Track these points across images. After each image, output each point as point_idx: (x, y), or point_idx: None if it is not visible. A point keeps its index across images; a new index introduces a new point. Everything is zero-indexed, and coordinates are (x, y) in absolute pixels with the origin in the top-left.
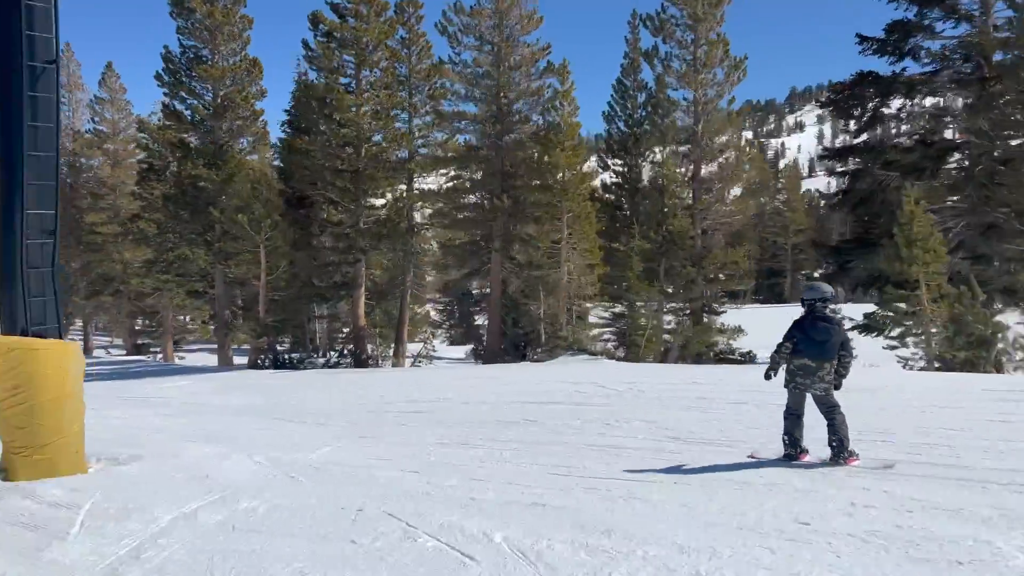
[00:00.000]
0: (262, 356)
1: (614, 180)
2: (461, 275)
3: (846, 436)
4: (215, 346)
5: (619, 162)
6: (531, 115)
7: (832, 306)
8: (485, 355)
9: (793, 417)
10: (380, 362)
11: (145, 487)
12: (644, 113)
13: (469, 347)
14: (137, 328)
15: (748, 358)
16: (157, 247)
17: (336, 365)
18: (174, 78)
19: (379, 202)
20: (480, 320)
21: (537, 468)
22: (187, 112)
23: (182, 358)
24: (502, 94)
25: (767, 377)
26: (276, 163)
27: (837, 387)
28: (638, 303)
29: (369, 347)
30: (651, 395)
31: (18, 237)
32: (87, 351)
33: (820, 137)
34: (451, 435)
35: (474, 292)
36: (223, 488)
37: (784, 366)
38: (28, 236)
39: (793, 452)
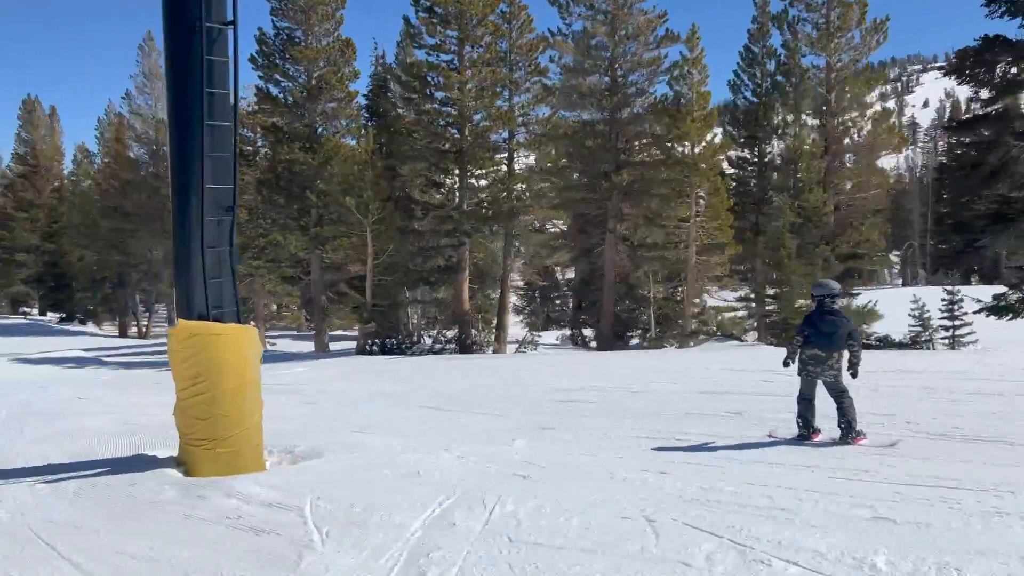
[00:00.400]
0: (370, 341)
1: (740, 154)
2: (570, 257)
3: (854, 418)
4: (295, 332)
5: (746, 135)
6: (648, 87)
7: (839, 301)
8: (599, 341)
9: (805, 402)
10: (483, 348)
11: (357, 486)
12: (774, 82)
13: (558, 334)
14: None
15: (885, 343)
16: (248, 233)
17: (441, 351)
18: (268, 60)
19: (483, 183)
20: (562, 306)
21: (817, 472)
22: (281, 95)
23: (273, 344)
24: (616, 65)
25: (785, 364)
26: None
27: (854, 375)
28: (778, 286)
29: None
30: (865, 384)
31: (195, 214)
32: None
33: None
34: (646, 428)
35: (563, 277)
36: (450, 488)
37: (797, 356)
38: (206, 212)
39: (806, 433)
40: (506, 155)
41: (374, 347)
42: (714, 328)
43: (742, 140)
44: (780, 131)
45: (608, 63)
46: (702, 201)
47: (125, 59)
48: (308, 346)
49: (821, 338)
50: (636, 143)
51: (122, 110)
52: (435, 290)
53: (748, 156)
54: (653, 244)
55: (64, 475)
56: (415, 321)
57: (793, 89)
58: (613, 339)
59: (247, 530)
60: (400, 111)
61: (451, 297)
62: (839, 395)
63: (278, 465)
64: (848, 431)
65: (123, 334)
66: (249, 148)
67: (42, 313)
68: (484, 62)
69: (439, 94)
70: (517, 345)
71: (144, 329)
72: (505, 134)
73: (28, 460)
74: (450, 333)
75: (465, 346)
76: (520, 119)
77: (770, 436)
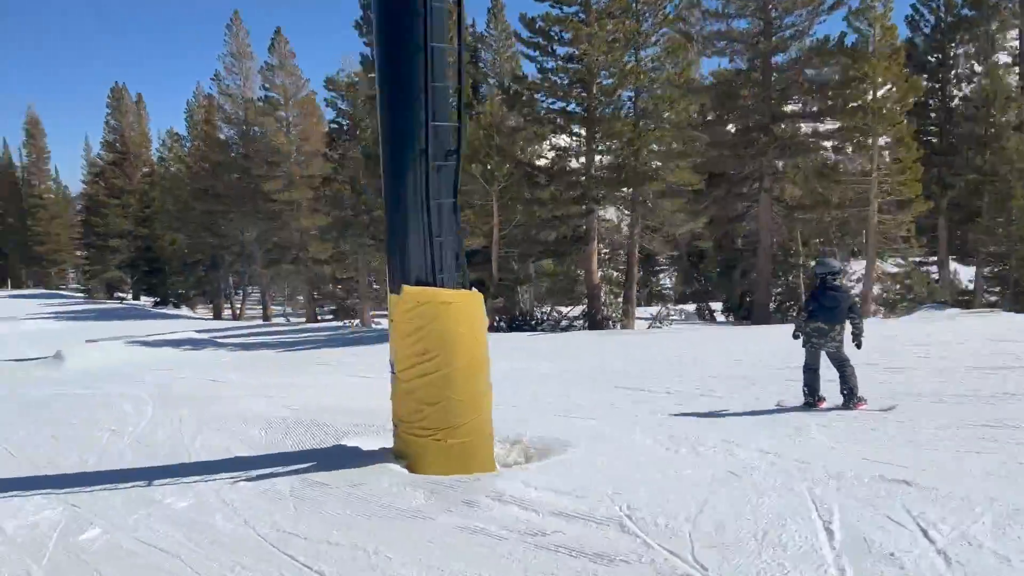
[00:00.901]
0: (498, 318)
1: (918, 99)
2: (703, 223)
3: (855, 386)
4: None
5: (926, 77)
6: (809, 28)
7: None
8: (754, 315)
9: (811, 371)
10: (612, 324)
11: (662, 491)
12: (959, 16)
13: (659, 308)
14: (316, 297)
15: None
16: (351, 208)
17: (568, 327)
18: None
19: (612, 144)
20: (666, 281)
21: None
22: None
23: (378, 323)
24: (770, 7)
25: (795, 337)
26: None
27: (858, 345)
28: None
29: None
30: None
31: (414, 159)
32: (266, 319)
33: None
34: (955, 418)
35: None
36: (800, 497)
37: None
38: (434, 156)
39: (812, 400)
40: (636, 114)
41: (501, 323)
42: (924, 292)
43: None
44: (967, 71)
45: (760, 4)
46: (885, 153)
47: (213, 40)
48: None
49: (823, 312)
50: (796, 91)
51: (211, 91)
52: (561, 262)
53: (929, 102)
54: (814, 204)
55: (260, 471)
56: (531, 296)
57: (983, 23)
58: (768, 313)
59: (568, 553)
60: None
61: (576, 270)
62: (841, 364)
63: (517, 461)
64: (850, 397)
65: (217, 316)
66: (349, 123)
67: (135, 297)
68: (609, 14)
69: (561, 50)
70: (651, 320)
71: (239, 311)
72: (633, 91)
73: (208, 453)
74: (572, 309)
75: (596, 321)
76: (651, 74)
77: (778, 405)
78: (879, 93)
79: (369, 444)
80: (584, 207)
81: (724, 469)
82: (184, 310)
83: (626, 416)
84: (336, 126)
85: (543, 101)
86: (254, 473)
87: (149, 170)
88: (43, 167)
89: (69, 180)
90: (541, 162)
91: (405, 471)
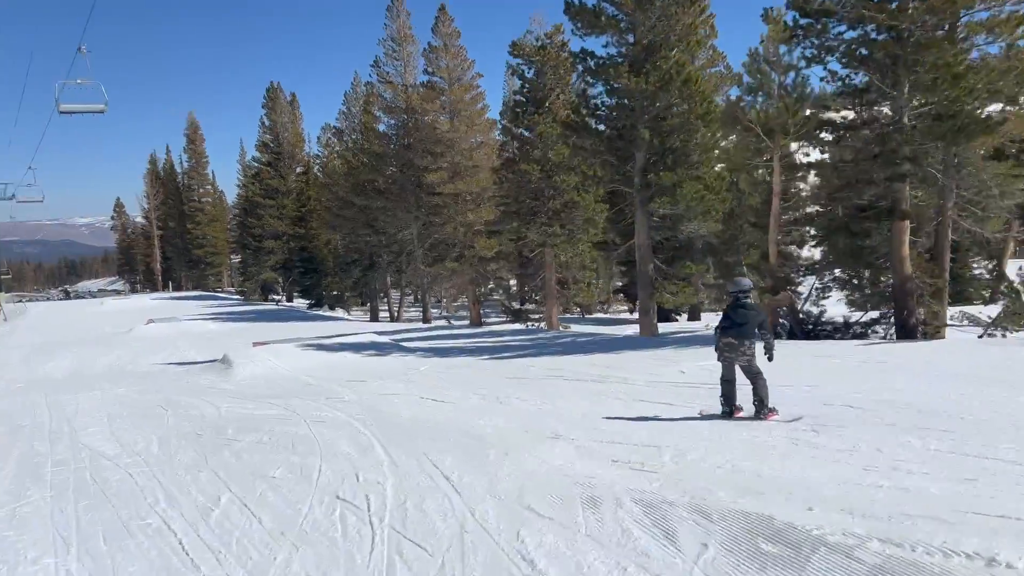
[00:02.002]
0: (780, 322)
1: None
2: None
3: (766, 396)
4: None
5: None
6: None
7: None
8: None
9: (726, 383)
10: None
11: None
12: None
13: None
14: (482, 296)
15: None
16: (533, 195)
17: (863, 334)
18: None
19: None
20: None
21: None
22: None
23: (567, 327)
24: None
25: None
26: None
27: (770, 358)
28: None
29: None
30: None
31: None
32: (426, 321)
33: None
34: None
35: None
36: None
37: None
38: None
39: (729, 410)
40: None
41: (778, 330)
42: None
43: None
44: None
45: None
46: None
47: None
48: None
49: (735, 328)
50: None
51: (371, 78)
52: (860, 245)
53: None
54: None
55: None
56: (814, 293)
57: None
58: None
59: None
60: None
61: (877, 257)
62: (753, 377)
63: None
64: (760, 408)
65: (374, 318)
66: (540, 94)
67: (288, 299)
68: None
69: None
70: (987, 326)
71: (396, 313)
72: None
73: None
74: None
75: (907, 328)
76: None
77: (700, 414)
78: None
79: None
80: (893, 170)
81: None
82: (339, 312)
83: None
84: (522, 98)
85: (834, 26)
86: None
87: (304, 169)
88: (202, 172)
89: (225, 185)
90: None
91: None
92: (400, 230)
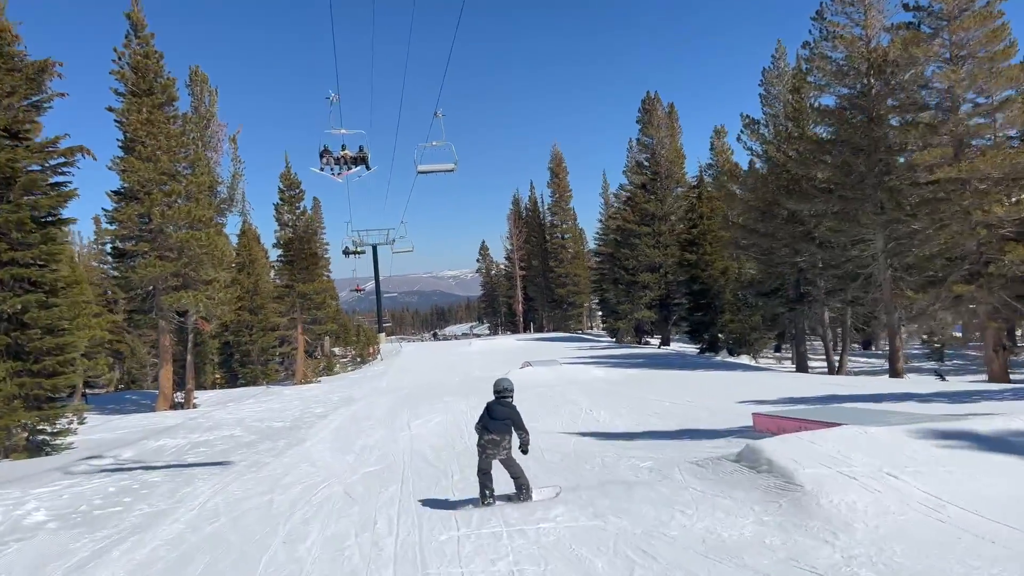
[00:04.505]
0: None
1: None
2: None
3: (527, 483)
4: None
5: None
6: None
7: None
8: None
9: (483, 474)
10: None
11: None
12: None
13: None
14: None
15: None
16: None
17: None
18: None
19: None
20: None
21: None
22: None
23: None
24: None
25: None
26: None
27: (524, 452)
28: None
29: None
30: None
31: None
32: (895, 375)
33: None
34: None
35: None
36: None
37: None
38: None
39: (488, 495)
40: None
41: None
42: None
43: None
44: None
45: None
46: None
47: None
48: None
49: (494, 424)
50: None
51: (807, 43)
52: None
53: None
54: None
55: None
56: None
57: None
58: None
59: None
60: None
61: None
62: (512, 469)
63: None
64: (520, 491)
65: (802, 368)
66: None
67: (664, 342)
68: None
69: None
70: None
71: (839, 361)
72: None
73: None
74: None
75: None
76: None
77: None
78: None
79: None
80: None
81: None
82: (743, 359)
83: None
84: None
85: None
86: None
87: (684, 189)
88: (565, 206)
89: (582, 223)
90: None
91: None
92: (854, 241)
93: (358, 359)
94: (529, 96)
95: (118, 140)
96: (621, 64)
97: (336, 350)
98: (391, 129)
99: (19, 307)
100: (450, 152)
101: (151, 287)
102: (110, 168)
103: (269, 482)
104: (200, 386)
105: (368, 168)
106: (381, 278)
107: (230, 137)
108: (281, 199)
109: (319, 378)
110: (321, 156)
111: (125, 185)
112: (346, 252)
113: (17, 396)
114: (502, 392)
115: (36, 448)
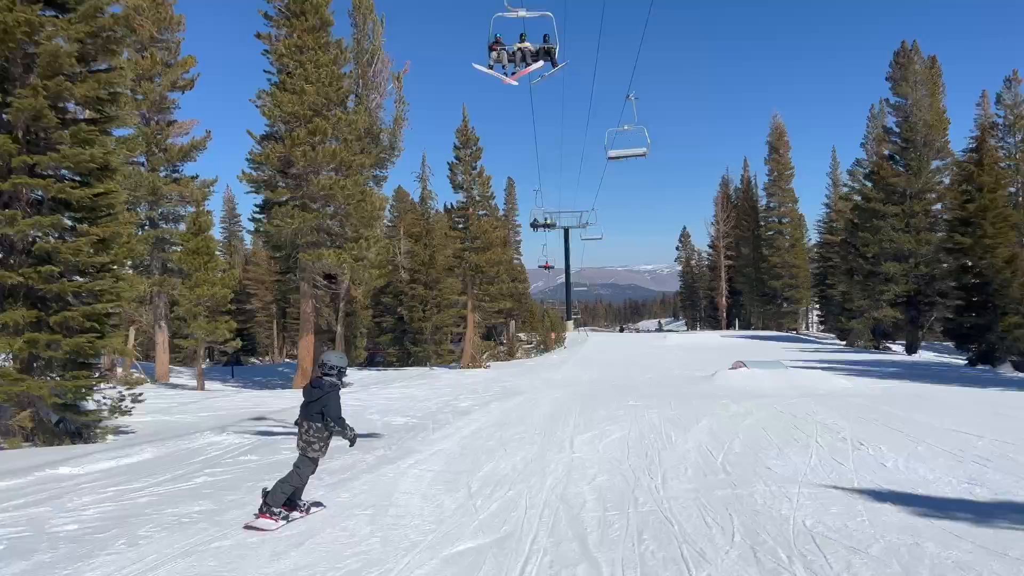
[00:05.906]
0: None
1: None
2: None
3: (286, 493)
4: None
5: None
6: None
7: (338, 374)
8: None
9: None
10: None
11: None
12: None
13: None
14: None
15: None
16: None
17: None
18: None
19: None
20: None
21: None
22: None
23: None
24: None
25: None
26: None
27: (351, 444)
28: None
29: None
30: None
31: None
32: None
33: None
34: None
35: None
36: None
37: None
38: None
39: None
40: None
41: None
42: None
43: None
44: None
45: None
46: None
47: None
48: None
49: (302, 407)
50: None
51: None
52: None
53: None
54: None
55: None
56: None
57: None
58: None
59: None
60: None
61: None
62: (295, 465)
63: None
64: (265, 500)
65: None
66: None
67: (910, 349)
68: None
69: None
70: None
71: None
72: None
73: None
74: None
75: None
76: None
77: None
78: None
79: None
80: None
81: None
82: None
83: None
84: None
85: None
86: None
87: (976, 141)
88: (785, 186)
89: (803, 210)
90: None
91: None
92: None
93: (541, 346)
94: (742, 65)
95: (266, 72)
96: (866, 14)
97: (522, 335)
98: (585, 95)
99: (37, 233)
100: (643, 136)
101: (294, 244)
102: (252, 102)
103: (249, 558)
104: (352, 362)
105: (555, 65)
106: (573, 270)
107: (395, 75)
108: (457, 157)
109: (488, 363)
110: (490, 49)
111: (267, 125)
112: (534, 225)
113: (39, 358)
114: (319, 366)
115: (75, 433)
